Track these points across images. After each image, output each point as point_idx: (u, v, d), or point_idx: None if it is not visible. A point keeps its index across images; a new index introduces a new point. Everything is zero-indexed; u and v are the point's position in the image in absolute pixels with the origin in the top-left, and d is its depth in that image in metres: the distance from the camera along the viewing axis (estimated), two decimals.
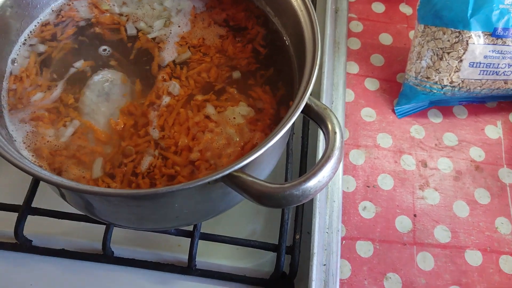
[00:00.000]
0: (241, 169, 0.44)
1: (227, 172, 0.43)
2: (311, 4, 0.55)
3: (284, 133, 0.46)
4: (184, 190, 0.43)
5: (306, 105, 0.48)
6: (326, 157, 0.45)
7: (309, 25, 0.54)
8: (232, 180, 0.44)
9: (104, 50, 0.60)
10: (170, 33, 0.62)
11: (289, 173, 0.69)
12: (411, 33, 0.91)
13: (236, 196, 0.56)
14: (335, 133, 0.47)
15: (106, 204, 0.48)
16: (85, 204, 0.53)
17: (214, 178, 0.42)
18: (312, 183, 0.44)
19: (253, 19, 0.64)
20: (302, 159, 0.71)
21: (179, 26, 0.62)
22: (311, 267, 0.62)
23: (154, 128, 0.54)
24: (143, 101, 0.56)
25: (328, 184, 0.45)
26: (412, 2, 0.95)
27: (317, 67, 0.50)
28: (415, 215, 0.73)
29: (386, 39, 0.91)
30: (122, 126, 0.54)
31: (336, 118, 0.48)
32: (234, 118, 0.56)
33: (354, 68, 0.86)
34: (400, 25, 0.92)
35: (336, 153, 0.45)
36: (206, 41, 0.62)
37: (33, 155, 0.51)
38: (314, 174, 0.44)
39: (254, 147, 0.53)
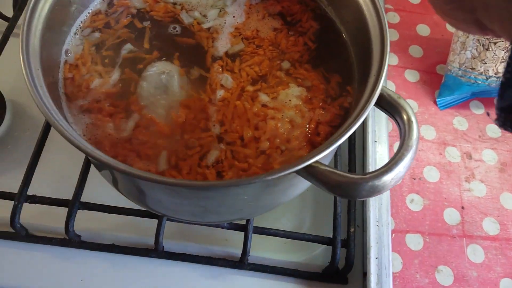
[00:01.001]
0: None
1: (308, 162, 0.42)
2: None
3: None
4: (261, 181, 0.42)
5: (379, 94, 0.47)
6: (406, 146, 0.44)
7: (373, 13, 0.53)
8: (309, 171, 0.43)
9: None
10: (225, 23, 0.60)
11: (338, 165, 0.68)
12: (448, 25, 0.90)
13: (297, 188, 0.55)
14: (411, 122, 0.45)
15: (174, 196, 0.47)
16: (144, 196, 0.52)
17: (296, 169, 0.41)
18: (393, 174, 0.43)
19: (308, 12, 0.62)
20: (350, 151, 0.70)
21: (233, 17, 0.61)
22: (368, 260, 0.61)
23: (214, 125, 0.52)
24: (202, 96, 0.54)
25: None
26: None
27: (387, 56, 0.48)
28: (463, 208, 0.72)
29: (423, 30, 0.89)
30: (184, 119, 0.52)
31: (410, 107, 0.47)
32: (290, 100, 0.55)
33: (393, 59, 0.85)
34: (437, 16, 0.91)
35: (414, 143, 0.44)
36: (260, 33, 0.61)
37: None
38: (395, 164, 0.43)
39: (318, 124, 0.53)
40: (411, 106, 0.79)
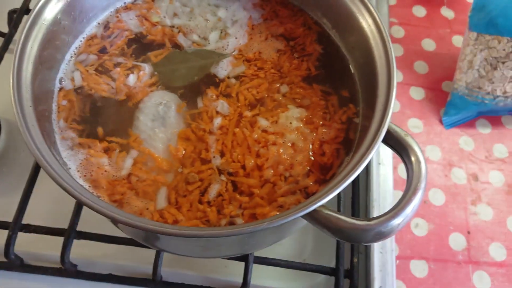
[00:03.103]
0: None
1: (312, 208, 0.40)
2: (381, 20, 0.51)
3: None
4: (265, 229, 0.40)
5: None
6: (413, 189, 0.42)
7: (379, 42, 0.51)
8: (313, 216, 0.41)
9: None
10: (228, 45, 0.58)
11: (341, 204, 0.65)
12: (454, 39, 0.88)
13: (300, 224, 0.53)
14: (419, 162, 0.44)
15: (173, 238, 0.45)
16: (142, 236, 0.50)
17: (300, 215, 0.39)
18: (400, 219, 0.41)
19: (311, 35, 0.60)
20: (354, 188, 0.67)
21: (236, 38, 0.59)
22: None
23: (214, 156, 0.50)
24: (202, 125, 0.52)
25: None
26: (453, 5, 0.92)
27: (394, 93, 0.46)
28: (468, 232, 0.70)
29: (429, 44, 0.87)
30: (183, 152, 0.50)
31: (418, 145, 0.45)
32: (291, 123, 0.54)
33: (398, 76, 0.83)
34: (442, 30, 0.89)
35: (422, 185, 0.43)
36: (262, 54, 0.59)
37: (89, 186, 0.48)
38: (402, 209, 0.41)
39: (323, 144, 0.51)
40: (416, 125, 0.78)
